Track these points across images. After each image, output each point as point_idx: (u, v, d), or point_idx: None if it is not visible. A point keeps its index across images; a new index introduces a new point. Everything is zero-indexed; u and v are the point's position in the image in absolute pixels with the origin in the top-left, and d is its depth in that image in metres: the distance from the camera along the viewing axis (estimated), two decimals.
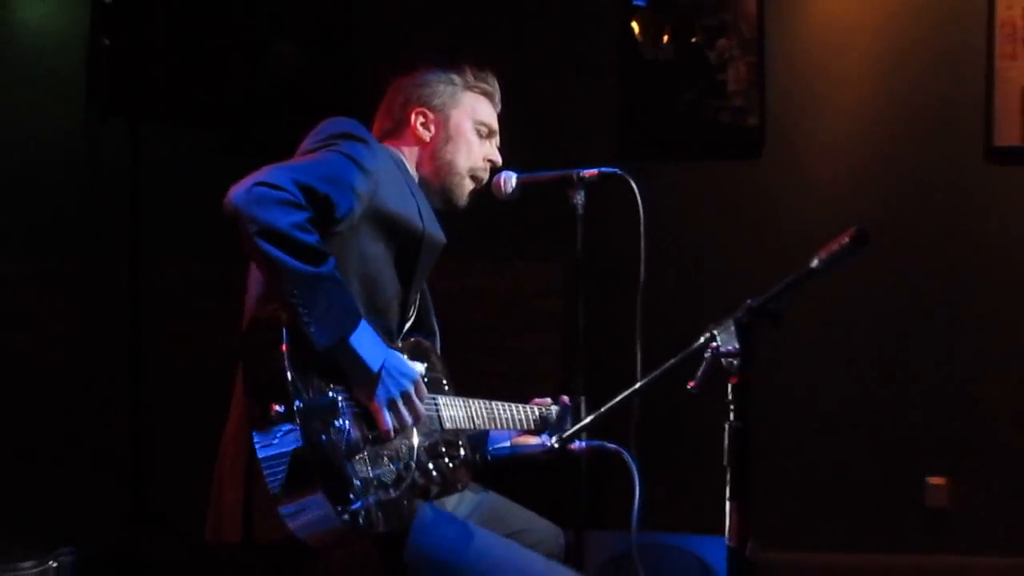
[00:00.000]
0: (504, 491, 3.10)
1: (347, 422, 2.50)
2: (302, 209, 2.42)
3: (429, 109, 2.94)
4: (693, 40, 4.90)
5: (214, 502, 2.63)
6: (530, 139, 3.23)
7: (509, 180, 3.06)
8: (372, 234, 2.67)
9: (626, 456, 2.85)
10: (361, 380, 2.52)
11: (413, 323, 2.91)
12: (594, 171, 3.02)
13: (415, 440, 2.69)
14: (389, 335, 2.76)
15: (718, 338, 2.29)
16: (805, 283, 2.32)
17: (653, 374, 2.42)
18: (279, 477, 2.36)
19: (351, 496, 2.42)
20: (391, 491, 2.54)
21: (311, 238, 2.42)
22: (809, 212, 4.86)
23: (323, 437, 2.42)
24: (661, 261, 3.13)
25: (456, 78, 2.99)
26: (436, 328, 3.06)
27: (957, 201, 4.89)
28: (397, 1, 4.99)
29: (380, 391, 2.54)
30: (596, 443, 2.90)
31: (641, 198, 2.97)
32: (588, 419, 2.61)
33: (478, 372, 3.11)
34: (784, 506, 4.72)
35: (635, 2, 4.90)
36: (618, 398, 2.47)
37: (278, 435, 2.37)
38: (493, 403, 3.03)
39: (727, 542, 2.29)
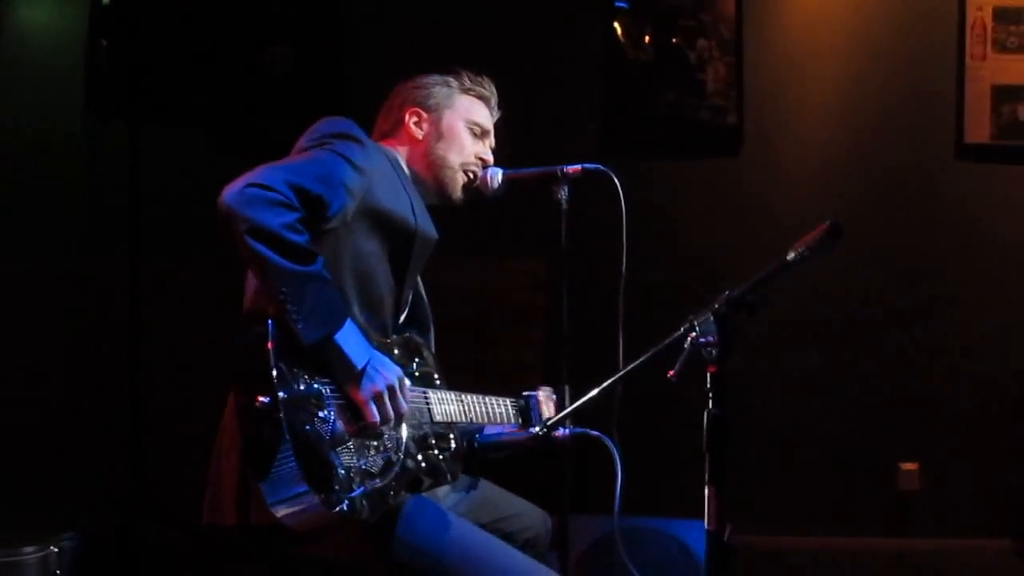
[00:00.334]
0: (491, 477, 3.14)
1: (332, 413, 2.51)
2: (293, 210, 2.45)
3: (423, 109, 3.00)
4: (673, 41, 4.91)
5: (211, 486, 2.65)
6: (516, 136, 3.25)
7: (495, 176, 3.08)
8: (366, 231, 2.71)
9: (608, 443, 2.89)
10: (346, 376, 2.55)
11: (407, 318, 2.95)
12: (578, 167, 3.04)
13: (403, 432, 2.71)
14: (383, 330, 2.80)
15: (697, 328, 2.32)
16: (781, 275, 2.35)
17: (634, 363, 2.46)
18: (266, 468, 2.39)
19: (335, 484, 2.44)
20: (377, 480, 2.56)
21: (300, 238, 2.45)
22: (785, 207, 4.90)
23: (307, 427, 2.44)
24: (643, 255, 3.14)
25: (452, 81, 3.05)
26: (431, 324, 3.09)
27: (929, 197, 4.93)
28: (388, 3, 4.98)
29: (365, 385, 2.56)
30: (580, 430, 2.93)
31: (623, 194, 2.99)
32: (572, 407, 2.67)
33: (466, 363, 3.14)
34: (762, 491, 4.74)
35: (617, 4, 4.91)
36: (601, 387, 2.51)
37: (263, 427, 2.40)
38: (485, 397, 3.06)
39: (706, 526, 2.32)
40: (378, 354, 2.61)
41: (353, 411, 2.57)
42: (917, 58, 4.93)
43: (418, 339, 2.97)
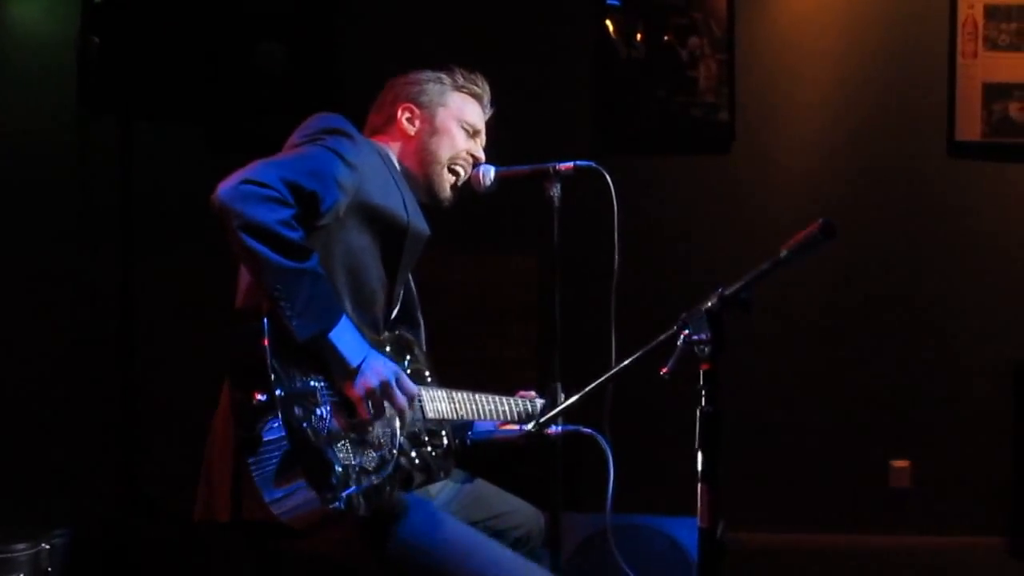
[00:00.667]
0: (483, 474, 3.14)
1: (328, 410, 2.52)
2: (287, 206, 2.45)
3: (416, 105, 2.99)
4: (665, 39, 4.94)
5: (204, 482, 2.65)
6: (508, 134, 3.25)
7: (487, 174, 3.07)
8: (358, 226, 2.70)
9: (601, 440, 2.90)
10: (341, 373, 2.55)
11: (398, 315, 2.94)
12: (570, 165, 3.03)
13: (397, 429, 2.71)
14: (375, 326, 2.80)
15: (690, 326, 2.31)
16: (774, 273, 2.33)
17: (627, 361, 2.45)
18: (263, 464, 2.39)
19: (332, 481, 2.45)
20: (372, 477, 2.56)
21: (295, 234, 2.45)
22: (777, 204, 4.92)
23: (304, 424, 2.44)
24: (634, 252, 3.13)
25: (445, 78, 3.04)
26: (421, 321, 3.09)
27: (920, 194, 4.96)
28: (380, 1, 5.00)
29: (359, 382, 2.55)
30: (572, 428, 2.93)
31: (615, 191, 2.99)
32: (564, 404, 2.66)
33: (457, 361, 3.13)
34: (754, 488, 4.74)
35: (609, 2, 4.93)
36: (593, 384, 2.51)
37: (261, 423, 2.40)
38: (476, 394, 3.05)
39: (698, 523, 2.31)
40: (374, 351, 2.61)
41: (348, 408, 2.57)
42: (908, 56, 4.95)
43: (409, 336, 2.97)
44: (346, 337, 2.54)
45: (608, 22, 4.97)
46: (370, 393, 2.57)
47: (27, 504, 4.52)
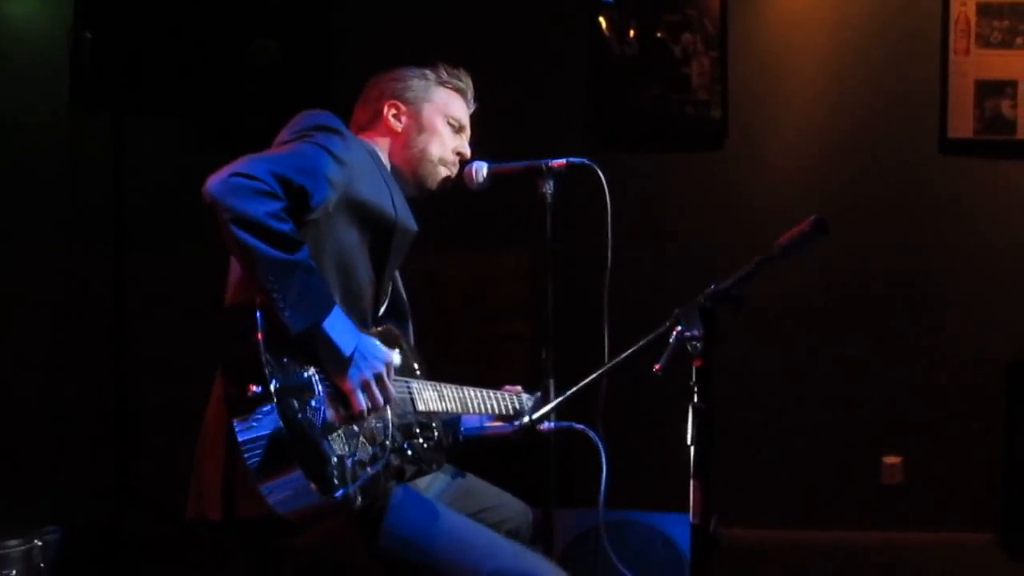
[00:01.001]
0: (475, 470, 3.14)
1: (322, 401, 2.52)
2: (277, 199, 2.46)
3: (401, 102, 3.00)
4: (658, 35, 4.93)
5: (196, 479, 2.65)
6: (502, 131, 3.26)
7: (480, 170, 3.09)
8: (347, 222, 2.71)
9: (593, 436, 2.92)
10: (334, 364, 2.55)
11: (386, 310, 2.95)
12: (562, 161, 3.05)
13: (390, 421, 2.71)
14: (363, 321, 2.79)
15: (682, 322, 2.32)
16: (766, 269, 2.36)
17: (620, 357, 2.47)
18: (258, 456, 2.39)
19: (328, 473, 2.45)
20: (367, 469, 2.57)
21: (285, 226, 2.45)
22: (770, 201, 4.92)
23: (299, 416, 2.44)
24: (627, 248, 3.16)
25: (429, 74, 3.04)
26: (408, 315, 3.09)
27: (913, 191, 4.96)
28: None
29: (353, 373, 2.56)
30: (564, 424, 2.96)
31: (608, 187, 3.01)
32: (556, 401, 2.67)
33: (450, 356, 3.15)
34: (746, 484, 4.74)
35: None
36: (586, 380, 2.52)
37: (257, 416, 2.39)
38: (465, 388, 3.05)
39: (691, 519, 2.33)
40: (366, 338, 2.62)
41: (342, 399, 2.57)
42: (901, 53, 4.95)
43: (397, 331, 2.97)
44: (339, 327, 2.54)
45: (601, 19, 4.96)
46: (364, 385, 2.58)
47: (20, 500, 4.49)
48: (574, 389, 2.55)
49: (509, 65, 4.83)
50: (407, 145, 2.99)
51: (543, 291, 3.04)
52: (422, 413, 2.87)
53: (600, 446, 2.91)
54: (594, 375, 2.53)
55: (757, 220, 4.85)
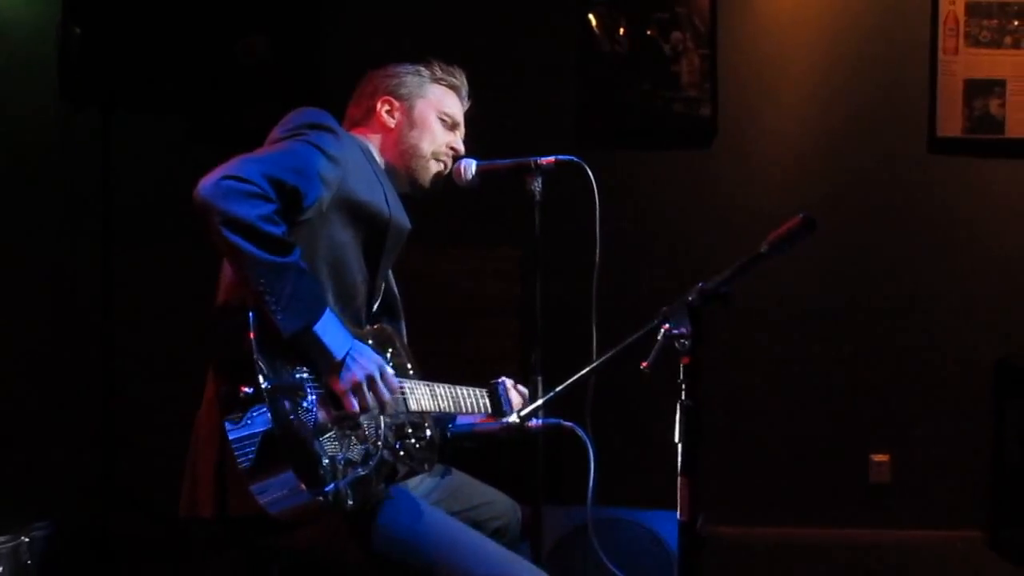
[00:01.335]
0: (464, 467, 3.15)
1: (314, 402, 2.52)
2: (269, 201, 2.45)
3: (395, 98, 2.99)
4: (648, 33, 4.94)
5: (188, 478, 2.64)
6: (490, 128, 3.26)
7: (469, 167, 3.07)
8: (340, 221, 2.70)
9: (581, 433, 2.90)
10: (326, 367, 2.54)
11: (379, 309, 2.95)
12: (551, 159, 3.03)
13: (382, 421, 2.71)
14: (356, 320, 2.80)
15: (670, 320, 2.31)
16: (754, 268, 2.35)
17: (608, 354, 2.45)
18: (250, 456, 2.38)
19: (320, 473, 2.45)
20: (359, 469, 2.57)
21: (277, 229, 2.44)
22: (759, 199, 4.93)
23: (291, 416, 2.44)
24: (616, 246, 3.15)
25: (424, 70, 3.05)
26: (401, 314, 3.09)
27: (901, 189, 4.97)
28: None
29: (345, 376, 2.55)
30: (553, 421, 2.93)
31: (597, 185, 2.99)
32: (545, 398, 2.67)
33: (439, 353, 3.14)
34: (734, 482, 4.78)
35: None
36: (574, 378, 2.51)
37: (248, 416, 2.39)
38: (457, 388, 3.05)
39: (678, 516, 2.32)
40: (358, 343, 2.61)
41: (334, 400, 2.57)
42: (890, 52, 4.96)
43: (390, 329, 2.97)
44: (331, 330, 2.54)
45: (591, 16, 4.96)
46: (356, 387, 2.57)
47: (7, 497, 4.51)
48: (562, 386, 2.54)
49: (498, 62, 4.84)
50: (399, 141, 2.99)
51: (531, 288, 3.02)
52: (414, 412, 2.86)
53: (588, 443, 2.89)
54: (582, 372, 2.52)
55: (746, 218, 4.87)
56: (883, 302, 4.99)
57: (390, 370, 2.69)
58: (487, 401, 3.16)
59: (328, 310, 2.55)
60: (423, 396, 2.91)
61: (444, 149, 3.04)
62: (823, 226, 2.35)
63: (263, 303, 2.43)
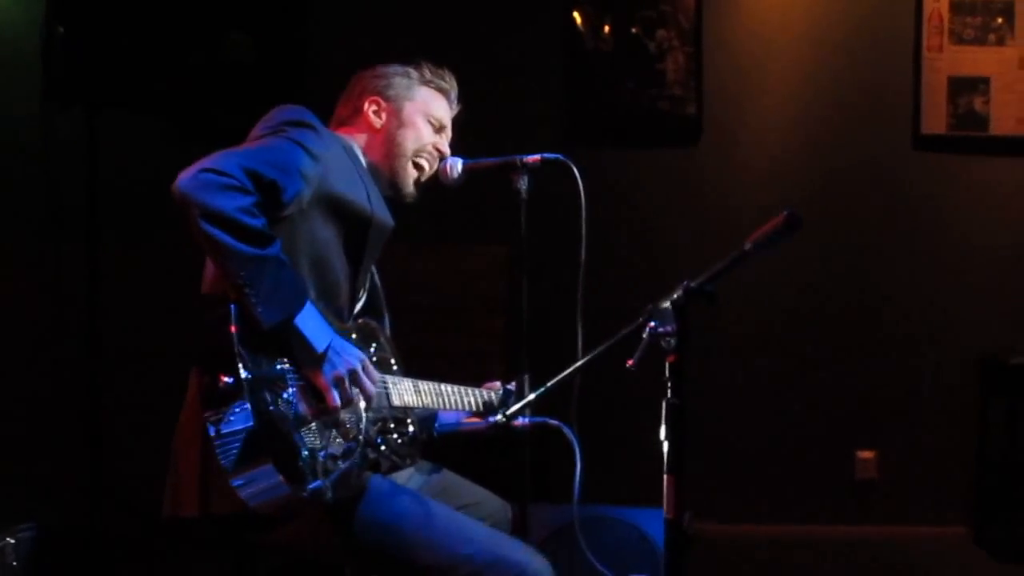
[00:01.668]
0: (451, 466, 3.14)
1: (294, 394, 2.52)
2: (248, 194, 2.44)
3: (383, 98, 2.99)
4: (633, 31, 4.94)
5: (171, 477, 2.63)
6: (476, 126, 3.26)
7: (455, 166, 3.07)
8: (322, 218, 2.70)
9: (567, 432, 2.90)
10: (308, 360, 2.54)
11: (363, 306, 2.95)
12: (537, 157, 3.03)
13: (363, 415, 2.71)
14: (339, 317, 2.79)
15: (655, 318, 2.31)
16: (739, 265, 2.35)
17: (594, 353, 2.46)
18: (230, 448, 2.38)
19: (300, 466, 2.45)
20: (340, 463, 2.57)
21: (256, 222, 2.44)
22: (744, 197, 4.94)
23: (271, 408, 2.44)
24: (602, 244, 3.15)
25: (413, 72, 3.04)
26: (385, 310, 3.09)
27: (886, 187, 4.99)
28: None
29: (327, 369, 2.56)
30: (539, 419, 2.93)
31: (582, 183, 2.99)
32: (531, 396, 2.67)
33: (425, 352, 3.14)
34: (720, 479, 4.80)
35: None
36: (560, 376, 2.52)
37: (231, 413, 2.39)
38: (442, 385, 3.06)
39: (665, 514, 2.32)
40: (339, 338, 2.61)
41: (315, 393, 2.57)
42: (875, 49, 4.98)
43: (374, 324, 2.98)
44: (311, 323, 2.54)
45: (576, 14, 4.97)
46: (338, 381, 2.57)
47: None
48: (548, 385, 2.55)
49: (483, 60, 4.83)
50: (385, 141, 2.98)
51: (517, 287, 3.03)
52: (397, 408, 2.87)
53: (574, 441, 2.88)
54: (568, 371, 2.52)
55: (731, 216, 4.88)
56: (868, 299, 5.01)
57: (372, 365, 2.69)
58: (472, 399, 3.17)
59: (309, 303, 2.55)
60: (406, 391, 2.91)
61: (429, 149, 3.03)
62: (808, 223, 2.35)
63: (243, 295, 2.44)
